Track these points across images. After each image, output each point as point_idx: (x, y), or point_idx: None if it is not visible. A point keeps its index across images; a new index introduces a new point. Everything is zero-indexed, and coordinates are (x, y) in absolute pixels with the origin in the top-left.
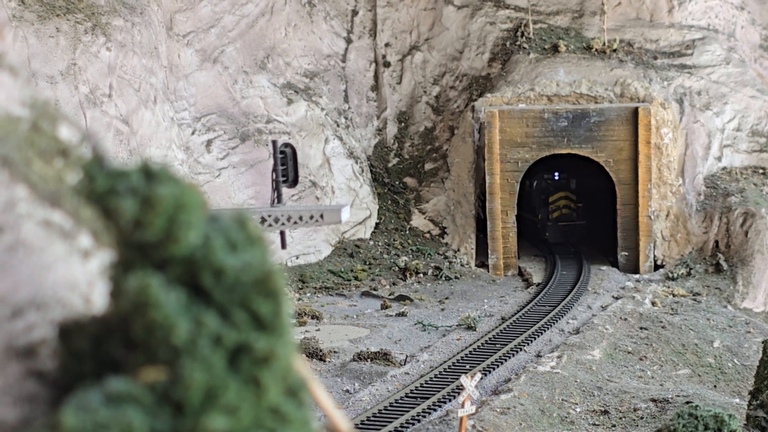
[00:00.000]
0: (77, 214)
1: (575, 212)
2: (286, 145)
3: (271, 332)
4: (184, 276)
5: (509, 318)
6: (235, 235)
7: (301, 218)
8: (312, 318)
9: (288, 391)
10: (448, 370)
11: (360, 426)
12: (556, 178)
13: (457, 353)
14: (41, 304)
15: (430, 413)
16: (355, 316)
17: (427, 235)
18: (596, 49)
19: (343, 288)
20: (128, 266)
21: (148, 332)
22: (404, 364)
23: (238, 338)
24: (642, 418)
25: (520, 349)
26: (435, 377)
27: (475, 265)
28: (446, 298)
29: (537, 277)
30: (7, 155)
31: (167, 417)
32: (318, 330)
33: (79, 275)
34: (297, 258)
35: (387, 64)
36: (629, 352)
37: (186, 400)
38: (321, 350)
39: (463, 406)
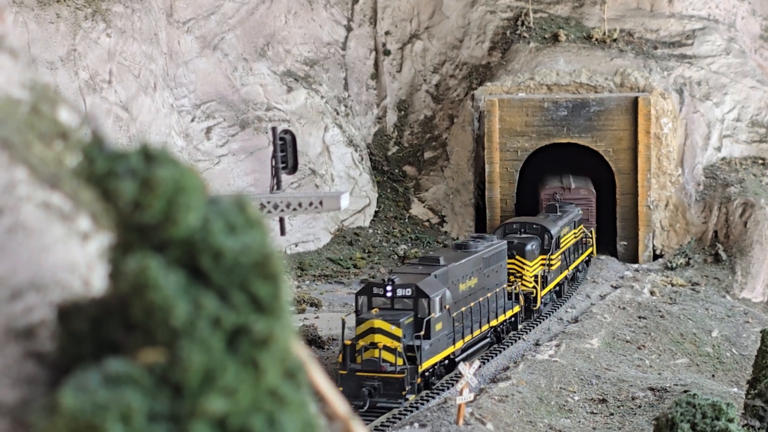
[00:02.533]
0: (77, 197)
1: (398, 356)
2: (286, 131)
3: (269, 314)
4: (184, 258)
5: None
6: (235, 218)
7: (300, 205)
8: (311, 305)
9: (286, 374)
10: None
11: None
12: (389, 293)
13: None
14: (40, 286)
15: (428, 401)
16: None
17: (426, 224)
18: (596, 39)
19: (342, 276)
20: (127, 248)
21: (147, 314)
22: None
23: (237, 320)
24: (640, 406)
25: (519, 338)
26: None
27: None
28: None
29: None
30: (7, 137)
31: (166, 398)
32: (317, 317)
33: (78, 257)
34: (296, 245)
35: (387, 53)
36: (628, 341)
37: (185, 381)
38: (320, 337)
39: (461, 393)
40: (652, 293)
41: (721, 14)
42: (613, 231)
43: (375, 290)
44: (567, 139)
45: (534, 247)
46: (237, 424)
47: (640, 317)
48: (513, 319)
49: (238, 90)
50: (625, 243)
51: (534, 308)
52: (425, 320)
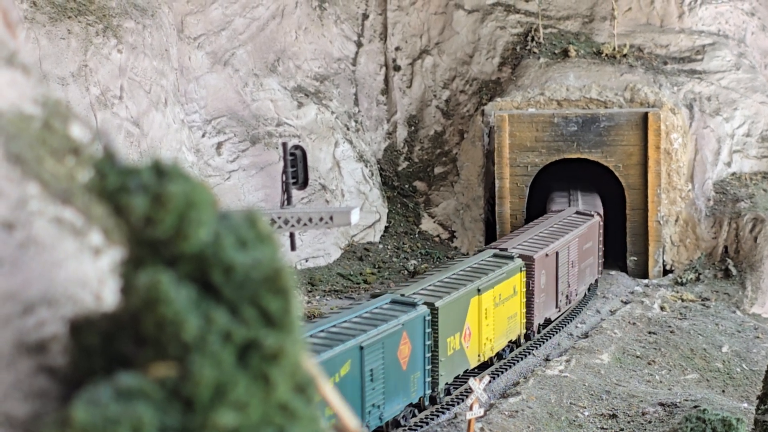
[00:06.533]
0: (88, 212)
1: None
2: (297, 147)
3: (280, 329)
4: (195, 273)
5: None
6: (245, 233)
7: (310, 220)
8: None
9: (297, 388)
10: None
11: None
12: None
13: None
14: (52, 300)
15: (438, 416)
16: None
17: (437, 239)
18: (606, 54)
19: (352, 291)
20: (139, 263)
21: (159, 328)
22: None
23: (248, 335)
24: (650, 422)
25: (528, 353)
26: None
27: None
28: None
29: None
30: (20, 153)
31: (177, 412)
32: None
33: (89, 272)
34: (306, 261)
35: (397, 68)
36: (638, 357)
37: (196, 395)
38: None
39: (471, 408)
40: (662, 308)
41: (731, 30)
42: (623, 246)
43: None
44: (577, 155)
45: None
46: None
47: (650, 332)
48: None
49: (248, 105)
50: (635, 258)
51: None
52: None
